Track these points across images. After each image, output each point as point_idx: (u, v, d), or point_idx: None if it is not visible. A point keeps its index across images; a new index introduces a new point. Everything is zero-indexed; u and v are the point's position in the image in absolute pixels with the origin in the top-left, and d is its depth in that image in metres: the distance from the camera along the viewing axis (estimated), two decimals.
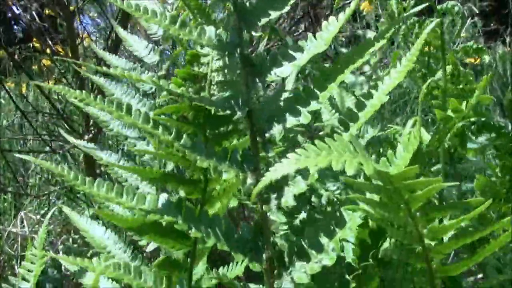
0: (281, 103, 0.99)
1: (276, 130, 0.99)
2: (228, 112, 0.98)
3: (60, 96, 2.26)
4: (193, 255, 1.08)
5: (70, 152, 2.15)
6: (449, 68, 1.25)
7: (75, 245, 1.94)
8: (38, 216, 1.99)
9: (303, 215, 1.12)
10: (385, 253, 0.93)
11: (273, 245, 1.00)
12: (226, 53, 0.99)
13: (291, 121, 0.98)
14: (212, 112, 1.00)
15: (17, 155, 0.94)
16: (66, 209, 1.37)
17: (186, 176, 1.06)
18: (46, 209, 2.07)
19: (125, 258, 1.24)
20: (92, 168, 2.03)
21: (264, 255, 0.98)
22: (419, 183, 0.82)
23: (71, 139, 1.42)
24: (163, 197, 0.97)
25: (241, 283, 1.07)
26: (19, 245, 1.95)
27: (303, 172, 0.98)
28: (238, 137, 1.03)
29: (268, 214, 0.98)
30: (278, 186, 0.97)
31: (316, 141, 0.79)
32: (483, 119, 1.26)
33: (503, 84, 1.30)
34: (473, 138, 1.27)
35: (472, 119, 1.25)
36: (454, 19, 1.43)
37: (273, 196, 0.98)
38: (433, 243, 0.91)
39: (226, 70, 0.99)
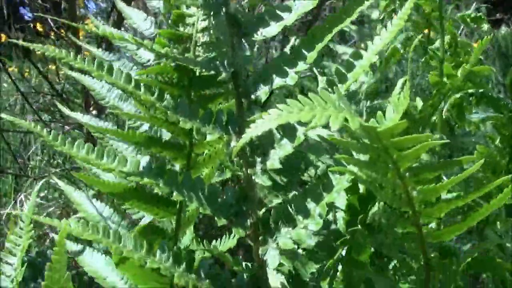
0: (268, 64, 0.93)
1: (262, 92, 0.93)
2: (212, 72, 0.92)
3: (59, 77, 2.21)
4: (177, 223, 1.02)
5: (71, 134, 2.10)
6: (447, 38, 1.19)
7: None
8: (38, 199, 1.94)
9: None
10: (373, 218, 0.87)
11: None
12: (212, 12, 0.94)
13: (277, 82, 0.92)
14: (197, 73, 0.95)
15: (4, 115, 0.89)
16: (61, 183, 1.32)
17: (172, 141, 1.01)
18: (46, 191, 2.02)
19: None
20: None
21: (248, 221, 0.92)
22: (408, 140, 0.76)
23: (68, 112, 1.37)
24: (145, 159, 0.92)
25: (234, 257, 1.01)
26: (18, 228, 1.90)
27: (290, 135, 0.92)
28: (224, 100, 0.97)
29: (253, 177, 0.92)
30: (263, 146, 0.91)
31: (299, 97, 0.73)
32: (481, 90, 1.20)
33: (505, 64, 1.24)
34: (473, 110, 1.20)
35: (470, 90, 1.18)
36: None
37: (258, 159, 0.93)
38: (423, 206, 0.84)
39: (211, 30, 0.93)
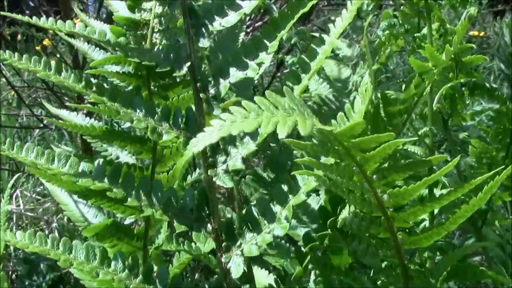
0: (227, 56, 0.84)
1: (222, 86, 0.84)
2: (168, 68, 0.84)
3: None
4: (146, 222, 0.94)
5: (66, 129, 2.03)
6: (435, 25, 1.07)
7: (71, 224, 1.83)
8: (34, 194, 1.89)
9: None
10: (344, 223, 0.78)
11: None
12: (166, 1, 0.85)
13: (237, 75, 0.83)
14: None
15: None
16: (47, 183, 1.25)
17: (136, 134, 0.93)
18: (42, 187, 1.96)
19: None
20: (88, 144, 1.91)
21: (209, 226, 0.83)
22: (369, 140, 0.66)
23: (50, 107, 1.30)
24: (99, 161, 0.84)
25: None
26: (14, 223, 1.85)
27: (251, 133, 0.83)
28: (185, 87, 0.88)
29: (214, 179, 0.83)
30: (225, 144, 0.83)
31: (244, 102, 0.64)
32: (474, 80, 1.09)
33: (510, 54, 1.13)
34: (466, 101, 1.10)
35: (463, 80, 1.08)
36: None
37: (220, 159, 0.84)
38: (395, 211, 0.75)
39: (163, 20, 0.85)
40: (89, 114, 1.81)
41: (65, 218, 1.83)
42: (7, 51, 0.84)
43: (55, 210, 1.92)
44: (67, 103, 1.67)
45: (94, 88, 0.83)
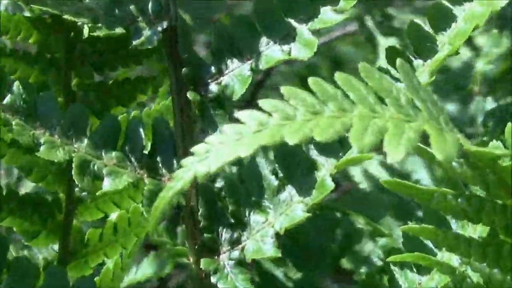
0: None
1: (236, 75, 0.56)
2: (117, 30, 0.58)
3: None
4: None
5: None
6: None
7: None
8: None
9: None
10: None
11: None
12: None
13: (271, 52, 0.56)
14: (85, 32, 0.63)
15: None
16: None
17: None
18: None
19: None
20: None
21: None
22: None
23: None
24: None
25: None
26: None
27: (299, 177, 0.56)
28: (152, 93, 0.69)
29: (213, 279, 0.57)
30: (236, 202, 0.58)
31: (312, 80, 0.40)
32: None
33: None
34: None
35: None
36: None
37: (226, 235, 0.56)
38: None
39: None
40: None
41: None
42: None
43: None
44: None
45: None
